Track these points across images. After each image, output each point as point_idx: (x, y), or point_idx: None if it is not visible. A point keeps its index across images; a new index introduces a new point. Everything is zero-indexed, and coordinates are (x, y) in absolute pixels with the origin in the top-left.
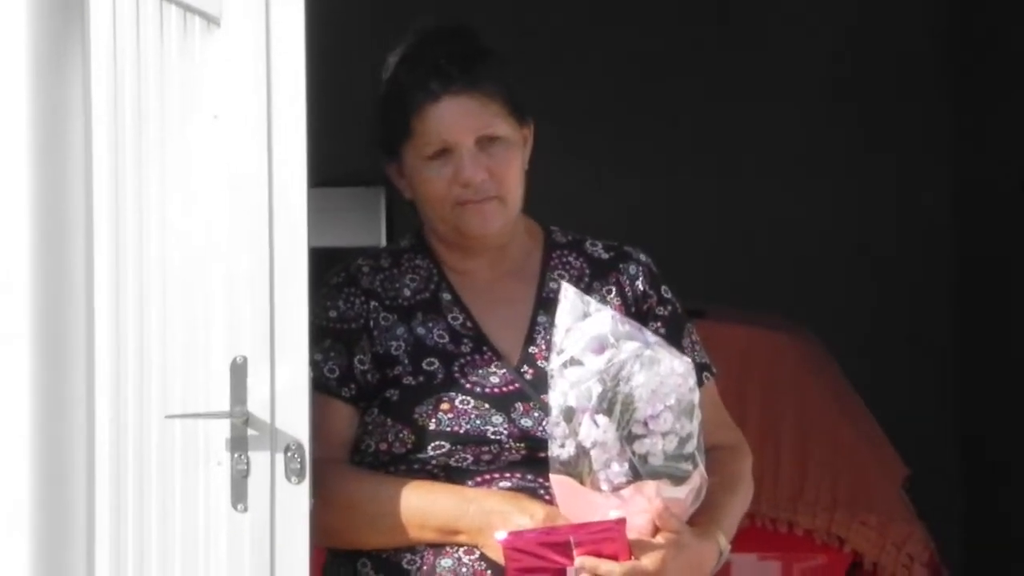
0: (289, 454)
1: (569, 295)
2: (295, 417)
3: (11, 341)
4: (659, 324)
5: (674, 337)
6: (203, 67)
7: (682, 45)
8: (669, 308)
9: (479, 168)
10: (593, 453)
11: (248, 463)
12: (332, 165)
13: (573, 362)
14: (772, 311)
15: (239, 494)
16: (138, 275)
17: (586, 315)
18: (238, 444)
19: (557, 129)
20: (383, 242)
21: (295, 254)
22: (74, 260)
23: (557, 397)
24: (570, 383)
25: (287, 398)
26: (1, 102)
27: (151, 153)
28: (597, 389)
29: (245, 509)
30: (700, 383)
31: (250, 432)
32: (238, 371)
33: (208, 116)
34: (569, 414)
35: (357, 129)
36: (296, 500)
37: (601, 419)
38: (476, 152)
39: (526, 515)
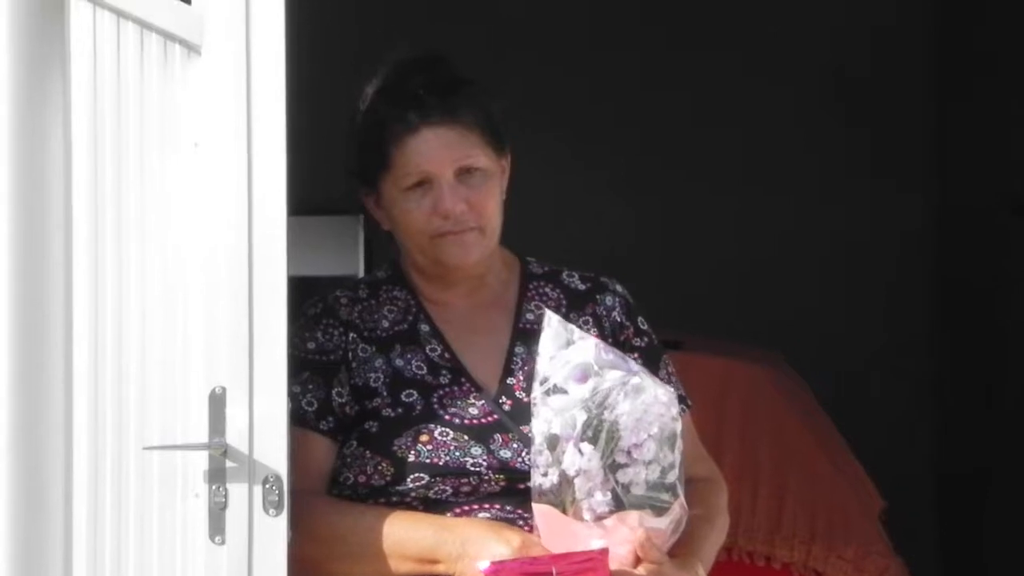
0: (267, 486)
1: (552, 323)
2: (273, 449)
3: None
4: (636, 355)
5: (651, 368)
6: (184, 95)
7: (663, 68)
8: (645, 340)
9: (458, 199)
10: (577, 482)
11: (226, 495)
12: (310, 193)
13: (556, 390)
14: (748, 342)
15: (217, 526)
16: (117, 305)
17: (569, 343)
18: (216, 476)
19: (527, 143)
20: (361, 271)
21: (274, 284)
22: (52, 288)
23: (541, 425)
24: (554, 411)
25: (265, 429)
26: None
27: (131, 181)
28: (582, 417)
29: (223, 541)
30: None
31: (228, 464)
32: (217, 402)
33: (188, 144)
34: (553, 442)
35: (335, 158)
36: (274, 532)
37: (586, 447)
38: (455, 183)
39: (503, 542)
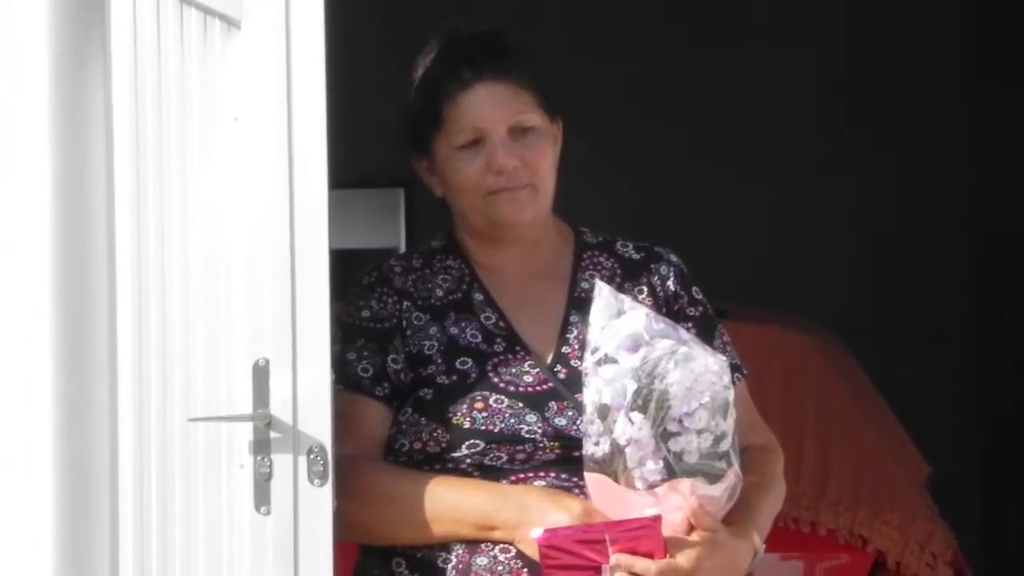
0: (312, 456)
1: (603, 293)
2: (317, 419)
3: (34, 346)
4: (690, 325)
5: (705, 338)
6: (224, 69)
7: (689, 43)
8: (700, 309)
9: (512, 156)
10: (628, 451)
11: (271, 466)
12: (351, 166)
13: (607, 360)
14: (792, 311)
15: (262, 497)
16: (160, 278)
17: (620, 313)
18: (261, 447)
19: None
20: (402, 243)
21: (316, 256)
22: (96, 264)
23: (591, 395)
24: (605, 381)
25: (309, 400)
26: (23, 106)
27: (172, 156)
28: (632, 386)
29: (268, 512)
30: (731, 383)
31: (272, 435)
32: (260, 373)
33: (229, 118)
34: (604, 412)
35: (376, 130)
36: (319, 502)
37: (636, 416)
38: (508, 140)
39: (562, 510)
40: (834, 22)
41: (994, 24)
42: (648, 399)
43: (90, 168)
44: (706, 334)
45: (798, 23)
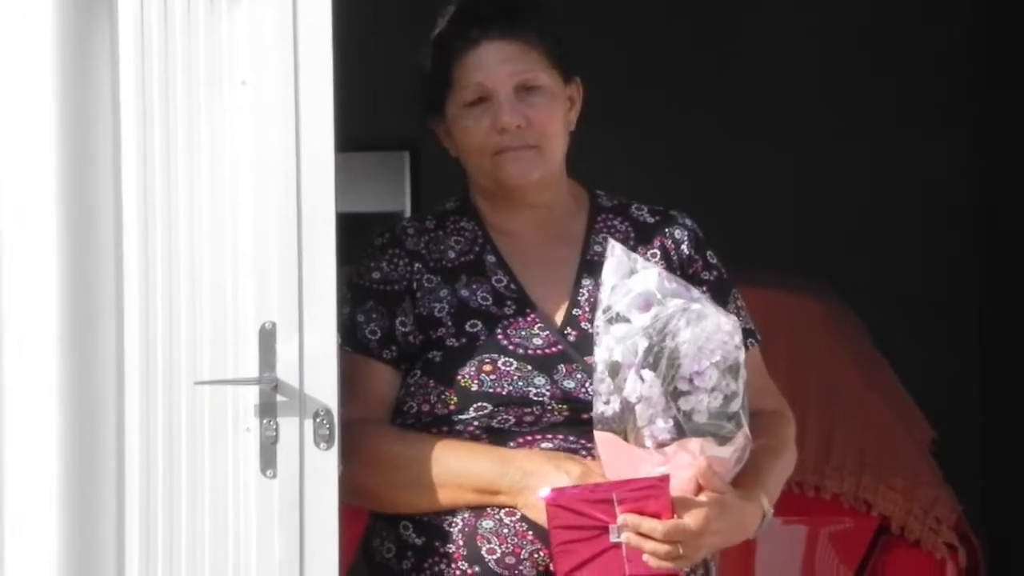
0: (318, 420)
1: (616, 252)
2: (323, 383)
3: (41, 310)
4: (704, 289)
5: (719, 302)
6: (231, 32)
7: (709, 11)
8: (714, 273)
9: (516, 114)
10: (638, 409)
11: (277, 429)
12: (356, 130)
13: (619, 318)
14: (798, 274)
15: (268, 460)
16: (167, 241)
17: (632, 272)
18: (267, 410)
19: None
20: (407, 207)
21: (323, 219)
22: (102, 228)
23: (602, 352)
24: (616, 339)
25: (315, 364)
26: (30, 74)
27: (179, 120)
28: (643, 344)
29: (274, 475)
30: (745, 348)
31: (279, 398)
32: (266, 337)
33: (236, 81)
34: (615, 369)
35: (381, 93)
36: (325, 466)
37: (647, 374)
38: (514, 99)
39: (563, 472)
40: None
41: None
42: (659, 356)
43: (96, 133)
44: (720, 298)
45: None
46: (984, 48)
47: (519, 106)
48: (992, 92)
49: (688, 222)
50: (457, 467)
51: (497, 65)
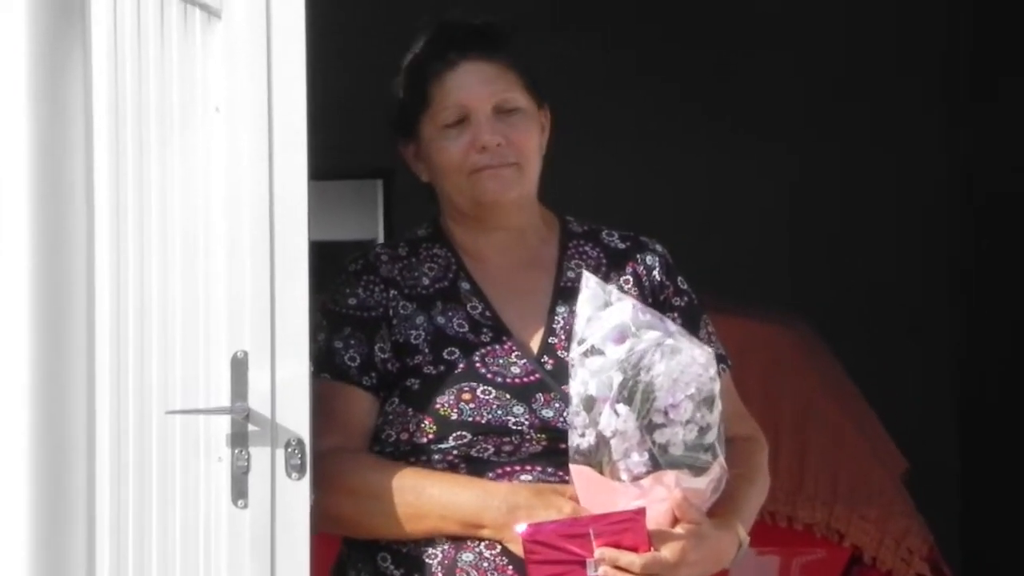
0: (289, 450)
1: (590, 284)
2: (295, 412)
3: (11, 336)
4: (675, 315)
5: (690, 328)
6: (204, 59)
7: (681, 32)
8: (685, 299)
9: (496, 133)
10: (613, 442)
11: (248, 459)
12: (329, 158)
13: (594, 351)
14: (770, 302)
15: (239, 490)
16: (139, 269)
17: (607, 304)
18: (239, 440)
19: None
20: (380, 235)
21: (296, 248)
22: (74, 253)
23: (577, 386)
24: (590, 372)
25: (288, 393)
26: (1, 92)
27: (152, 146)
28: (618, 378)
29: (246, 505)
30: (717, 376)
31: (251, 428)
32: (239, 366)
33: (209, 109)
34: (589, 403)
35: (354, 121)
36: (297, 496)
37: (621, 408)
38: (493, 119)
39: (552, 510)
40: (831, 19)
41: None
42: (634, 390)
43: (69, 157)
44: (691, 324)
45: (793, 17)
46: (968, 62)
47: (498, 125)
48: (969, 110)
49: (659, 248)
50: (440, 498)
51: (477, 85)
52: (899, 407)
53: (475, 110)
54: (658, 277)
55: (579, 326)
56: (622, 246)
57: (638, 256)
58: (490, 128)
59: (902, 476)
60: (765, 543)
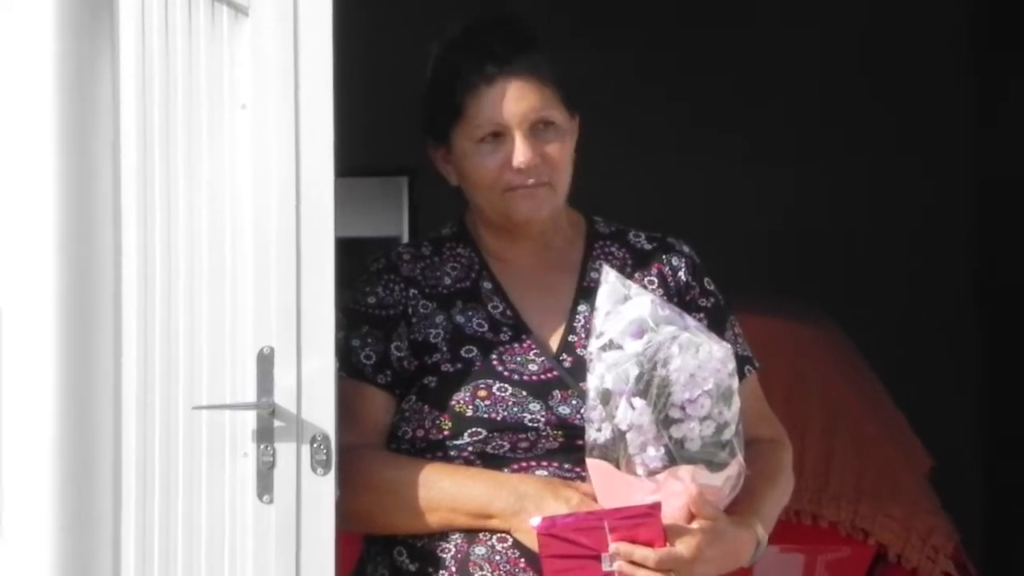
0: (315, 445)
1: (610, 279)
2: (321, 408)
3: (39, 334)
4: (701, 316)
5: (716, 329)
6: (231, 56)
7: (699, 34)
8: (712, 300)
9: (532, 153)
10: (629, 436)
11: (274, 454)
12: (355, 155)
13: (612, 345)
14: (796, 302)
15: (265, 485)
16: (165, 265)
17: (626, 299)
18: (264, 435)
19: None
20: (405, 232)
21: (322, 245)
22: (102, 251)
23: (595, 380)
24: (608, 366)
25: (313, 389)
26: (31, 91)
27: (179, 143)
28: (634, 372)
29: (271, 500)
30: (742, 376)
31: (276, 423)
32: (265, 362)
33: (236, 106)
34: (606, 397)
35: (380, 118)
36: (322, 491)
37: (637, 402)
38: (529, 137)
39: (561, 500)
40: (835, 16)
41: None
42: (650, 384)
43: (96, 156)
44: (718, 325)
45: (797, 15)
46: (979, 64)
47: (534, 143)
48: (991, 111)
49: (685, 248)
50: (450, 490)
51: (514, 103)
52: (924, 405)
53: (510, 128)
54: (684, 278)
55: (598, 320)
56: (648, 247)
57: (664, 257)
58: (525, 147)
59: (927, 474)
60: (790, 541)
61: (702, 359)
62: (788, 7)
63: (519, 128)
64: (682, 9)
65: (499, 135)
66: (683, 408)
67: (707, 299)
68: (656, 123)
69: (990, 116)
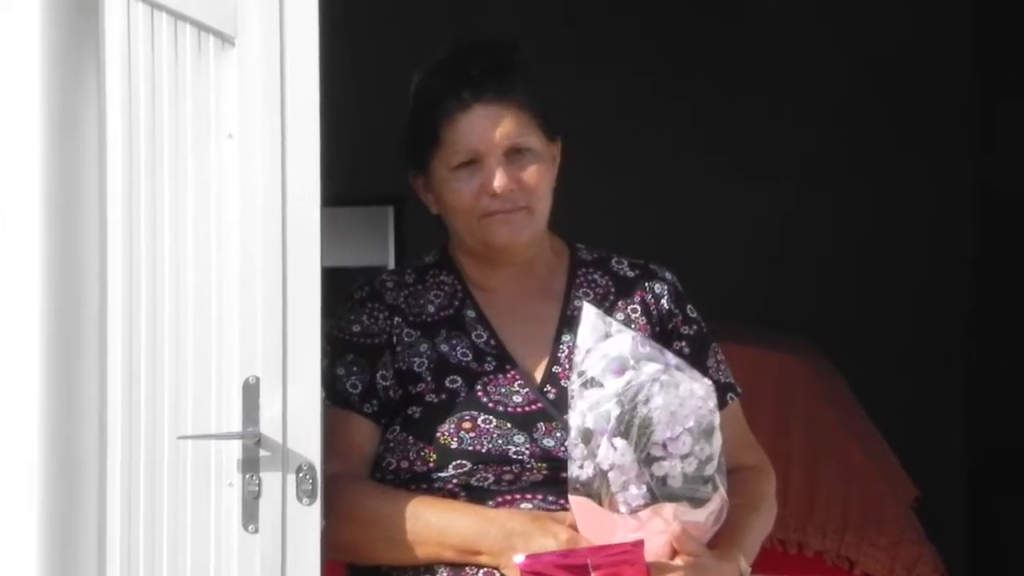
0: (300, 475)
1: (590, 316)
2: (306, 438)
3: (23, 361)
4: (684, 343)
5: (699, 356)
6: (218, 86)
7: (693, 45)
8: (694, 327)
9: (508, 178)
10: (611, 475)
11: (260, 484)
12: (340, 184)
13: (592, 383)
14: (782, 329)
15: (250, 515)
16: (151, 295)
17: (607, 336)
18: (250, 465)
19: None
20: (391, 261)
21: (308, 274)
22: (87, 279)
23: (576, 418)
24: (588, 405)
25: (299, 419)
26: (15, 120)
27: (165, 172)
28: (615, 411)
29: (256, 530)
30: (724, 403)
31: (262, 453)
32: (250, 391)
33: (222, 135)
34: (587, 436)
35: (365, 148)
36: (307, 521)
37: (619, 442)
38: (505, 163)
39: (549, 536)
40: (831, 33)
41: (996, 25)
42: (631, 424)
43: (82, 184)
44: (700, 353)
45: (793, 38)
46: (974, 76)
47: (510, 169)
48: (987, 133)
49: (668, 275)
50: (437, 524)
51: (489, 129)
52: (910, 436)
53: (486, 154)
54: (666, 306)
55: (578, 357)
56: (631, 274)
57: (647, 284)
58: (502, 173)
59: (912, 504)
60: (775, 570)
61: (683, 397)
62: (787, 13)
63: (494, 154)
64: (682, 12)
65: (475, 162)
66: (664, 446)
67: (689, 327)
68: (652, 134)
69: (988, 138)
